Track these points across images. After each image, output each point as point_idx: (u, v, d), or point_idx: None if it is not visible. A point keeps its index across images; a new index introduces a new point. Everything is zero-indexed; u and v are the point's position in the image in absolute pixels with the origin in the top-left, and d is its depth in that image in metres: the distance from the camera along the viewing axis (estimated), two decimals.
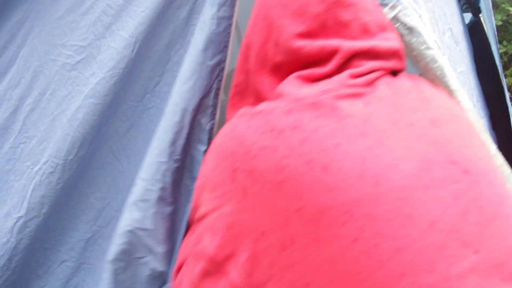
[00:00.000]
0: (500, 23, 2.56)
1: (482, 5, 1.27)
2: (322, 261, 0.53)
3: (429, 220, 0.53)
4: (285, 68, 0.68)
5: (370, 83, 0.64)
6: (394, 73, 0.69)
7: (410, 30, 0.71)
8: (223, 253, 0.60)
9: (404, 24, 0.70)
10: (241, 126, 0.62)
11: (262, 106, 0.64)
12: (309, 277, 0.54)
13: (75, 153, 0.79)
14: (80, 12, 0.78)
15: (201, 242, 0.65)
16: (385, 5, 0.70)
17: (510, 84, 2.70)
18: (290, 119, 0.59)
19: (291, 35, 0.66)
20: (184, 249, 0.73)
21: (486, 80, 1.32)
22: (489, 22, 1.32)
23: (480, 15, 1.29)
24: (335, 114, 0.58)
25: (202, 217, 0.66)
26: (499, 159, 0.75)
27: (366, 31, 0.66)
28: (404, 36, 0.70)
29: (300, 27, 0.66)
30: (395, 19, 0.70)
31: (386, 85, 0.64)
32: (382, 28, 0.68)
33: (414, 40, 0.71)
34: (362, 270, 0.52)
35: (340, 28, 0.65)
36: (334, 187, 0.54)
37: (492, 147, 0.74)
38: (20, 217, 0.82)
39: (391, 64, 0.68)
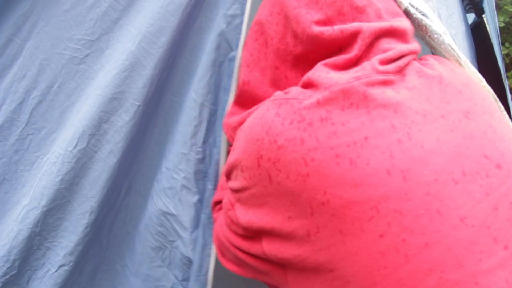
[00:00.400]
0: (503, 24, 2.56)
1: (486, 5, 1.27)
2: (347, 253, 0.53)
3: (459, 215, 0.52)
4: (308, 58, 0.66)
5: (400, 71, 0.62)
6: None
7: (425, 15, 0.70)
8: (255, 226, 0.61)
9: (419, 10, 0.70)
10: (270, 113, 0.61)
11: (294, 92, 0.62)
12: (334, 264, 0.54)
13: (74, 144, 0.80)
14: (86, 6, 0.79)
15: (235, 210, 0.66)
16: None
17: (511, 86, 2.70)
18: (320, 111, 0.58)
19: (309, 23, 0.65)
20: (220, 191, 0.77)
21: (488, 81, 1.32)
22: (492, 23, 1.32)
23: (483, 15, 1.30)
24: (365, 104, 0.57)
25: (235, 190, 0.66)
26: None
27: (380, 17, 0.65)
28: (423, 20, 0.70)
29: (317, 15, 0.64)
30: (411, 5, 0.70)
31: (416, 73, 0.62)
32: (394, 14, 0.67)
33: (432, 23, 0.70)
34: (387, 265, 0.51)
35: (357, 13, 0.64)
36: (361, 183, 0.53)
37: None
38: (25, 205, 0.84)
39: (416, 46, 0.66)
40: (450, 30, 1.06)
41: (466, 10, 1.28)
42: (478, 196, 0.54)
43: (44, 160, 0.84)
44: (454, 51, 0.71)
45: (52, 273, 0.86)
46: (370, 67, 0.60)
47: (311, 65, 0.65)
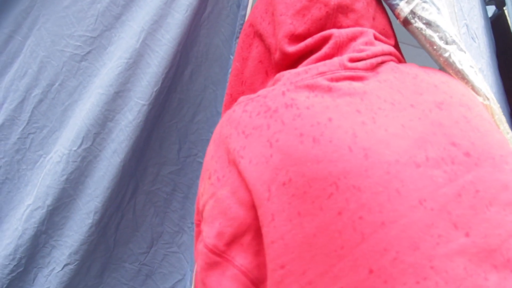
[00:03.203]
0: None
1: None
2: (303, 237, 0.51)
3: (418, 198, 0.51)
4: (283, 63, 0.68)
5: (373, 68, 0.62)
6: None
7: (429, 24, 0.67)
8: (224, 240, 0.57)
9: (422, 19, 0.67)
10: (237, 112, 0.62)
11: (260, 91, 0.63)
12: (285, 257, 0.52)
13: (79, 144, 0.79)
14: (87, 2, 0.76)
15: (201, 236, 0.61)
16: None
17: None
18: (285, 98, 0.58)
19: (288, 34, 0.67)
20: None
21: (508, 76, 1.27)
22: None
23: (504, 8, 1.24)
24: (330, 94, 0.58)
25: (202, 210, 0.63)
26: None
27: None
28: (423, 30, 0.67)
29: (300, 28, 0.66)
30: (412, 13, 0.67)
31: (391, 70, 0.62)
32: (385, 35, 0.68)
33: (433, 34, 0.67)
34: (344, 244, 0.50)
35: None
36: (323, 159, 0.53)
37: None
38: (29, 205, 0.84)
39: (391, 48, 0.66)
40: (471, 24, 1.02)
41: (486, 2, 1.23)
42: (440, 181, 0.52)
43: (47, 159, 0.83)
44: (455, 64, 0.68)
45: (58, 272, 0.85)
46: (338, 63, 0.61)
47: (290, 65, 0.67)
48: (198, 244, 0.62)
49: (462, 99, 0.61)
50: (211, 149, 0.65)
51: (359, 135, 0.54)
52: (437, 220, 0.51)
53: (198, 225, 0.66)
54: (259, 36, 0.72)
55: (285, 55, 0.66)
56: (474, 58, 1.03)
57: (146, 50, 0.74)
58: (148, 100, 0.75)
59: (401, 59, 0.70)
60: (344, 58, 0.61)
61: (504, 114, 1.34)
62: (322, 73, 0.60)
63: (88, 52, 0.78)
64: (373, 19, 0.68)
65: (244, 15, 0.75)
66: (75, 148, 0.79)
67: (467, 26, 0.99)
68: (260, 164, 0.55)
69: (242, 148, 0.58)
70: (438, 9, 0.73)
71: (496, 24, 1.18)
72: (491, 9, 1.27)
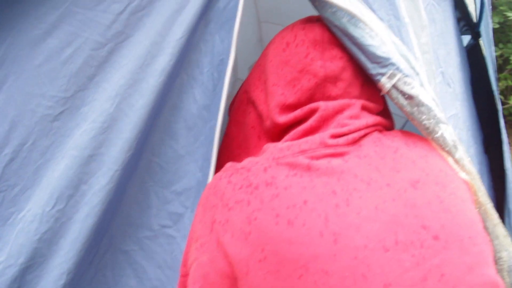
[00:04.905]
0: (497, 26, 2.51)
1: (483, 30, 1.23)
2: None
3: (383, 282, 0.53)
4: (274, 131, 0.72)
5: (355, 142, 0.65)
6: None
7: (411, 99, 0.68)
8: None
9: (404, 94, 0.67)
10: (223, 181, 0.66)
11: (245, 162, 0.67)
12: None
13: (52, 205, 0.78)
14: (59, 62, 0.74)
15: None
16: (382, 74, 0.67)
17: (503, 88, 2.67)
18: (266, 176, 0.62)
19: (279, 104, 0.69)
20: None
21: (481, 104, 1.30)
22: (488, 48, 1.28)
23: (480, 39, 1.26)
24: (309, 173, 0.61)
25: (188, 270, 0.68)
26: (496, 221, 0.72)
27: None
28: (404, 106, 0.68)
29: (291, 99, 0.69)
30: (394, 88, 0.67)
31: (372, 142, 0.65)
32: (374, 102, 0.72)
33: (414, 109, 0.68)
34: None
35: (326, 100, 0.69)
36: (296, 241, 0.56)
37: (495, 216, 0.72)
38: (1, 261, 0.81)
39: (377, 119, 0.69)
40: (447, 69, 1.03)
41: (462, 32, 1.24)
42: (407, 265, 0.55)
43: (20, 216, 0.81)
44: (436, 139, 0.69)
45: None
46: (319, 140, 0.64)
47: (277, 135, 0.71)
48: None
49: (439, 176, 0.63)
50: (199, 212, 0.68)
51: (331, 219, 0.57)
52: None
53: (184, 276, 0.71)
54: (252, 102, 0.75)
55: (275, 124, 0.70)
56: (449, 104, 1.04)
57: (120, 115, 0.73)
58: (121, 165, 0.74)
59: (388, 126, 0.71)
60: (325, 135, 0.64)
61: (477, 143, 1.36)
62: (303, 151, 0.63)
63: (61, 113, 0.76)
64: (362, 86, 0.70)
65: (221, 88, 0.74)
66: (48, 209, 0.77)
67: (442, 73, 1.00)
68: (240, 241, 0.59)
69: (225, 221, 0.61)
70: (418, 73, 0.74)
71: (471, 54, 1.21)
72: (467, 38, 1.30)
